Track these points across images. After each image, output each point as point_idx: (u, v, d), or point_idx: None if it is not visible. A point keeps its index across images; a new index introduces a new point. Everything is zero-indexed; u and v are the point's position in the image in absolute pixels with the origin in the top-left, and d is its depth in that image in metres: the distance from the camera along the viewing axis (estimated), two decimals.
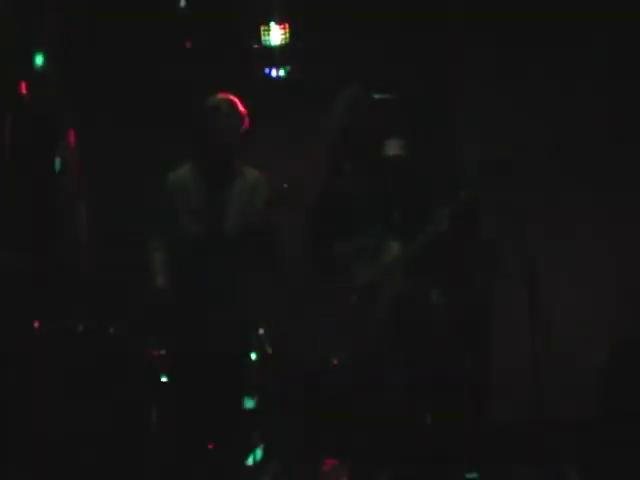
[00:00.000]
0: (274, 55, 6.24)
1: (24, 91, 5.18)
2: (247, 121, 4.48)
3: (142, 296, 4.63)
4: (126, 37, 6.15)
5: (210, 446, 4.40)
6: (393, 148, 5.00)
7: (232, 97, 4.52)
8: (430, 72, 6.37)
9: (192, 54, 6.22)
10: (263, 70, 6.29)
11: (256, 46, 6.23)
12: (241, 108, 4.48)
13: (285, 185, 4.29)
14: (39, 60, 5.49)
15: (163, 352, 4.91)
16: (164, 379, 4.91)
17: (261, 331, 5.46)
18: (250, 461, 5.12)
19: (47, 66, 5.55)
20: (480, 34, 6.29)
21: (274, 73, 6.32)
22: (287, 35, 6.19)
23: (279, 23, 6.17)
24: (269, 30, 6.19)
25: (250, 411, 5.18)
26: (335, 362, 4.80)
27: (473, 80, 6.44)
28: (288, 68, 6.28)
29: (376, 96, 5.08)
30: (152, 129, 6.21)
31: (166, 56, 6.23)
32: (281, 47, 6.21)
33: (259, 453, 5.31)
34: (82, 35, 5.91)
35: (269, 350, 5.50)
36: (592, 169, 6.30)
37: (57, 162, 5.61)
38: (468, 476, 4.97)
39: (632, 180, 6.29)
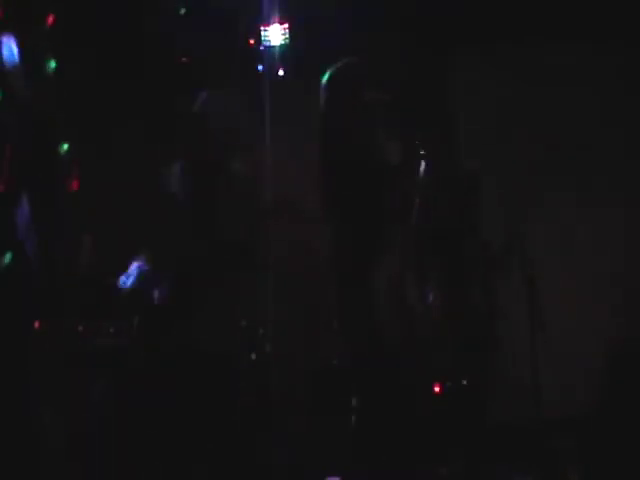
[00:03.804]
0: (274, 55, 6.25)
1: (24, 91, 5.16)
2: (239, 119, 4.44)
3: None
4: (124, 36, 6.15)
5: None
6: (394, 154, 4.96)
7: (222, 94, 4.47)
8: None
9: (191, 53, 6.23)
10: (262, 70, 6.30)
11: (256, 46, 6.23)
12: (232, 106, 4.43)
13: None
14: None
15: (161, 353, 4.89)
16: (163, 380, 4.89)
17: (261, 331, 5.46)
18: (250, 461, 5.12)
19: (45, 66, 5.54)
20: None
21: (273, 72, 6.33)
22: (287, 35, 6.20)
23: (279, 23, 6.18)
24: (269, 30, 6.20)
25: (250, 412, 5.18)
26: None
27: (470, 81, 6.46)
28: (287, 68, 6.29)
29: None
30: (149, 128, 6.21)
31: (165, 55, 6.23)
32: (281, 47, 6.22)
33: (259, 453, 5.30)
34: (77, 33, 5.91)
35: (269, 350, 5.49)
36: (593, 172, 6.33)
37: (56, 162, 5.60)
38: None
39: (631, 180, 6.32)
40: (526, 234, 4.97)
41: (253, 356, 5.26)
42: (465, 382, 5.07)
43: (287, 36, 6.22)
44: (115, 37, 6.13)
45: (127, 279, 4.59)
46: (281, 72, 6.26)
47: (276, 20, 6.16)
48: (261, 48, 6.24)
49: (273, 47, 6.23)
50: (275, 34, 6.22)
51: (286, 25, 6.21)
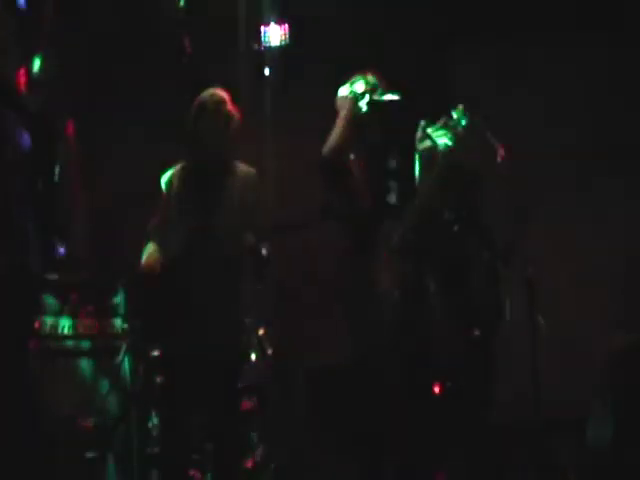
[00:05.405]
0: (274, 55, 6.26)
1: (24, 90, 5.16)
2: (238, 118, 4.42)
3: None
4: (124, 35, 6.15)
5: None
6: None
7: (222, 93, 4.45)
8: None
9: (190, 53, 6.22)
10: (262, 70, 6.31)
11: (256, 46, 6.23)
12: (230, 105, 4.41)
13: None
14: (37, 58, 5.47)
15: (160, 352, 4.88)
16: (161, 380, 4.88)
17: (261, 331, 5.46)
18: (249, 462, 5.12)
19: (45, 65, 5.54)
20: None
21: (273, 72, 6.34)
22: (287, 35, 6.20)
23: (279, 23, 6.19)
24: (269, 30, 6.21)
25: (250, 412, 5.18)
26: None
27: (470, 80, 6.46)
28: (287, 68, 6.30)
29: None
30: (149, 128, 6.21)
31: (164, 54, 6.22)
32: (281, 47, 6.22)
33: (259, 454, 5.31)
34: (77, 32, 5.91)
35: (269, 350, 5.49)
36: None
37: (56, 162, 5.60)
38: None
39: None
40: (526, 234, 4.97)
41: (253, 356, 5.26)
42: (465, 382, 5.07)
43: (287, 37, 6.23)
44: (116, 36, 6.14)
45: None
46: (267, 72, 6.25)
47: (276, 21, 6.17)
48: (261, 49, 6.25)
49: (273, 48, 6.24)
50: (275, 35, 6.23)
51: (286, 26, 6.22)
